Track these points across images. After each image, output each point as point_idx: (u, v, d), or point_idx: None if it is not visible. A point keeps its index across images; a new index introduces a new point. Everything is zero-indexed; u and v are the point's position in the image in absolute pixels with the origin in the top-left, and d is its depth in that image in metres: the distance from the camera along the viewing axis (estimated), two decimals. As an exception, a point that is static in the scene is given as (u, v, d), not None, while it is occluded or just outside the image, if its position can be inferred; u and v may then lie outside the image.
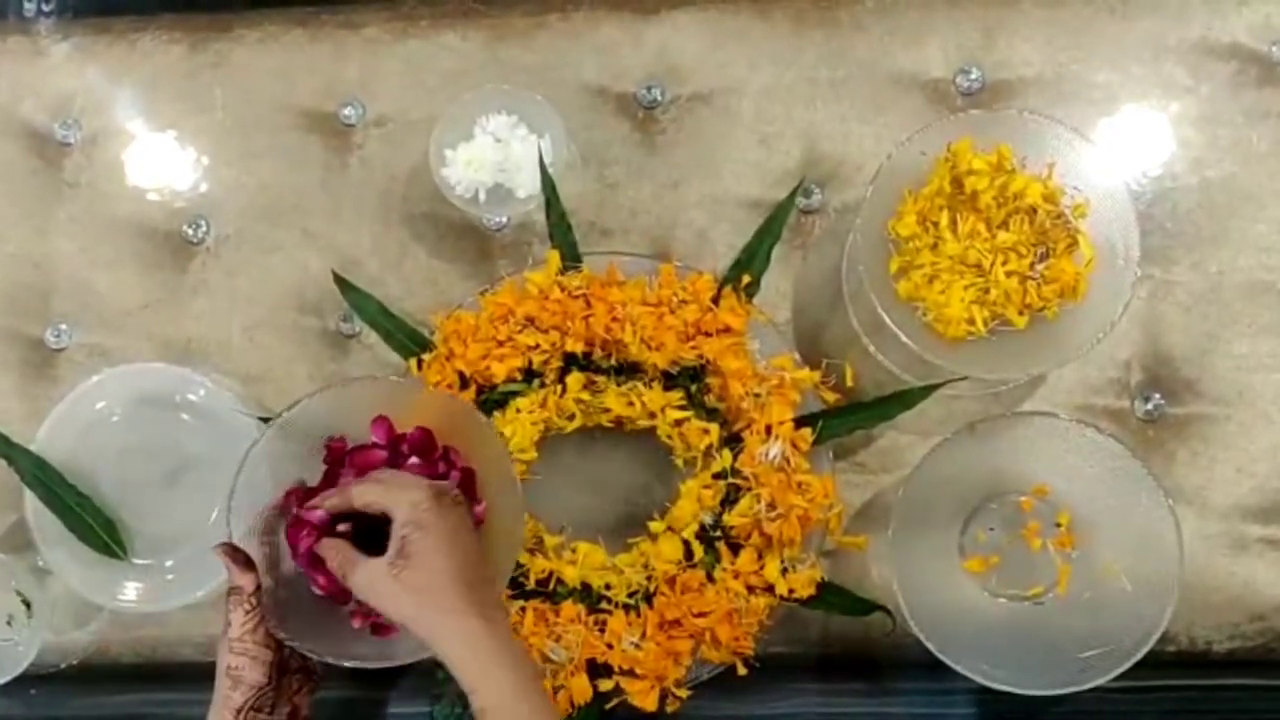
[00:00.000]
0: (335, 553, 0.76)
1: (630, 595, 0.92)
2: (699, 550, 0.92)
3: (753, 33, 1.06)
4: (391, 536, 0.74)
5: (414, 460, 0.83)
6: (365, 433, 0.83)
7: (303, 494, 0.82)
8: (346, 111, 1.09)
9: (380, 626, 0.80)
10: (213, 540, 0.79)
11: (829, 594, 0.93)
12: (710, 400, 0.95)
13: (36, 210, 1.11)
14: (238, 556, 0.77)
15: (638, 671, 0.90)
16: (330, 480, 0.83)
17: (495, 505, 0.84)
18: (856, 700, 0.98)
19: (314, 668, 0.82)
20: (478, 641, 0.71)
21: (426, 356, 0.96)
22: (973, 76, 1.03)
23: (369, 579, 0.74)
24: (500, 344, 0.95)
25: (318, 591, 0.80)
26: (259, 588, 0.77)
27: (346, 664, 0.78)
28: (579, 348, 0.94)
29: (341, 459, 0.83)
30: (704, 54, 1.06)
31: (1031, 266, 0.90)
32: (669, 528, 0.93)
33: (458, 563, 0.73)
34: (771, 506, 0.90)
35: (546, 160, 0.99)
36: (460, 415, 0.86)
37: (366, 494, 0.76)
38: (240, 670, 0.76)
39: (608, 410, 0.93)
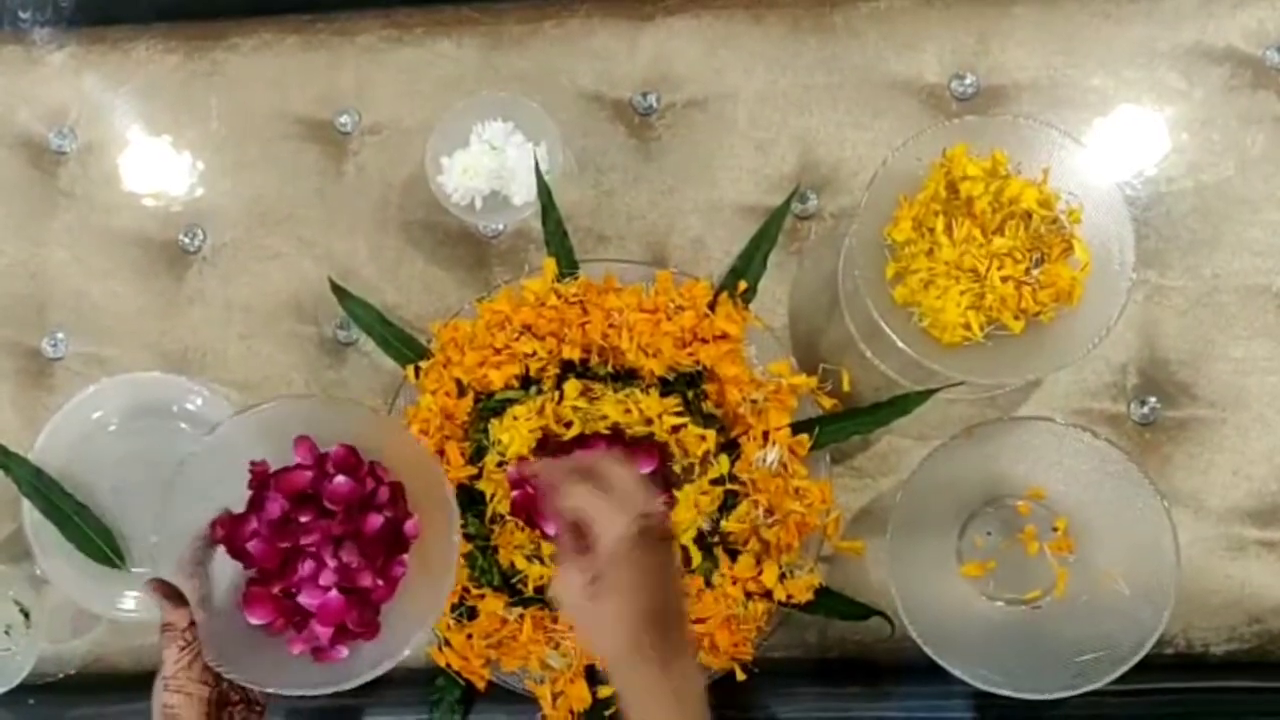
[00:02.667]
0: (561, 540, 0.74)
1: (629, 602, 0.92)
2: (697, 556, 0.92)
3: (747, 38, 1.06)
4: (592, 556, 0.71)
5: (340, 478, 0.82)
6: (288, 455, 0.83)
7: (228, 522, 0.81)
8: (342, 119, 1.09)
9: (322, 651, 0.80)
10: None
11: (827, 599, 0.93)
12: (707, 406, 0.95)
13: (31, 220, 1.11)
14: (169, 591, 0.76)
15: (636, 678, 0.90)
16: (255, 505, 0.82)
17: (429, 519, 0.83)
18: (855, 704, 0.98)
19: (256, 698, 0.80)
20: (650, 686, 0.69)
21: (424, 364, 0.96)
22: (967, 82, 1.03)
23: (565, 587, 0.71)
24: (497, 351, 0.95)
25: (253, 621, 0.79)
26: (192, 623, 0.75)
27: (288, 692, 0.77)
28: (576, 355, 0.94)
29: (266, 482, 0.83)
30: (699, 60, 1.07)
31: (1027, 271, 0.91)
32: (667, 534, 0.93)
33: (650, 603, 0.70)
34: (769, 512, 0.91)
35: (542, 167, 0.99)
36: (384, 429, 0.85)
37: (579, 501, 0.72)
38: (176, 709, 0.74)
39: (605, 417, 0.93)
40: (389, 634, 0.82)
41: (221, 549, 0.81)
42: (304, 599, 0.81)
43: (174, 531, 0.80)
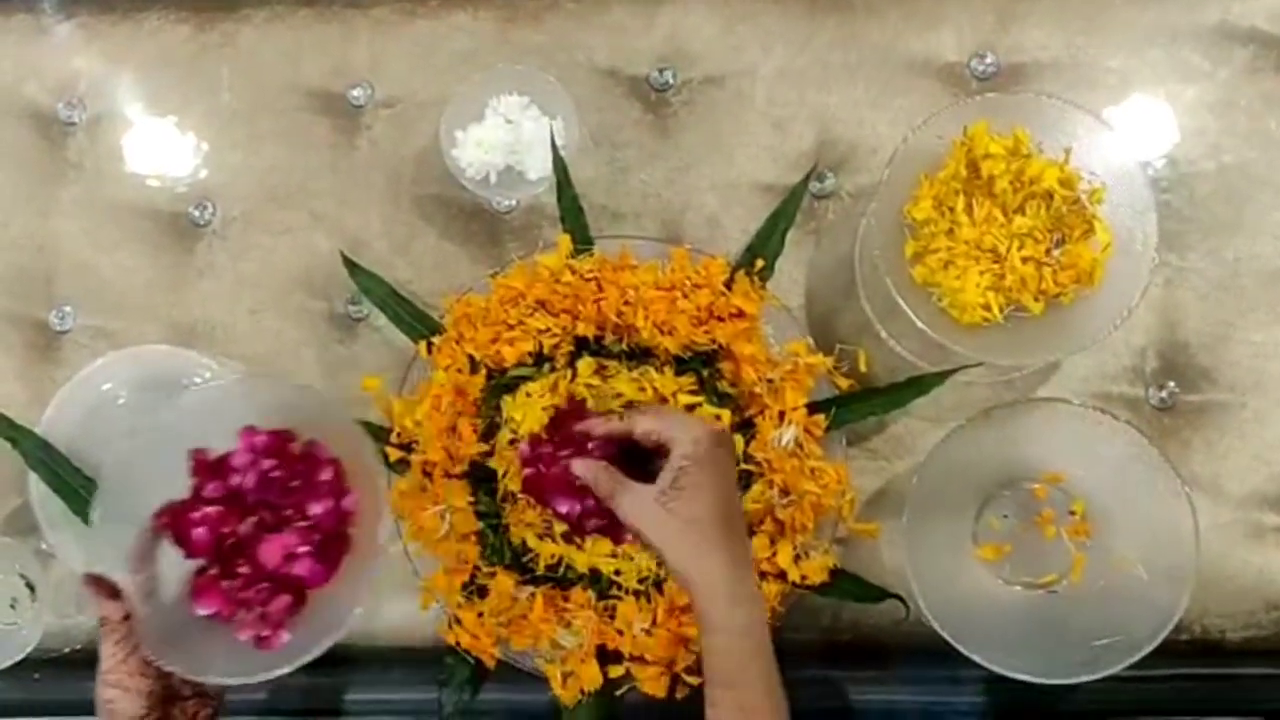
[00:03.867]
0: (605, 475, 0.79)
1: (640, 581, 0.91)
2: (711, 536, 0.91)
3: (765, 16, 1.05)
4: (667, 467, 0.76)
5: (270, 461, 0.83)
6: (225, 440, 0.83)
7: (173, 512, 0.81)
8: (355, 92, 1.08)
9: (264, 639, 0.80)
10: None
11: (842, 581, 0.92)
12: (723, 385, 0.94)
13: (40, 192, 1.10)
14: (102, 586, 0.76)
15: (648, 658, 0.89)
16: (198, 492, 0.82)
17: (362, 495, 0.84)
18: (867, 687, 0.98)
19: (211, 691, 0.80)
20: (724, 579, 0.74)
21: (436, 340, 0.95)
22: (987, 61, 1.02)
23: (637, 504, 0.77)
24: (510, 327, 0.94)
25: (202, 611, 0.79)
26: (127, 616, 0.75)
27: (228, 682, 0.78)
28: (590, 332, 0.93)
29: (206, 470, 0.82)
30: (716, 37, 1.05)
31: (1048, 252, 0.90)
32: (680, 513, 0.92)
33: (722, 503, 0.76)
34: (784, 492, 0.90)
35: (558, 142, 0.98)
36: (319, 409, 0.86)
37: (649, 424, 0.79)
38: (114, 703, 0.74)
39: (619, 395, 0.92)
40: (331, 608, 0.82)
41: (167, 541, 0.81)
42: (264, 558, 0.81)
43: (111, 521, 0.80)
